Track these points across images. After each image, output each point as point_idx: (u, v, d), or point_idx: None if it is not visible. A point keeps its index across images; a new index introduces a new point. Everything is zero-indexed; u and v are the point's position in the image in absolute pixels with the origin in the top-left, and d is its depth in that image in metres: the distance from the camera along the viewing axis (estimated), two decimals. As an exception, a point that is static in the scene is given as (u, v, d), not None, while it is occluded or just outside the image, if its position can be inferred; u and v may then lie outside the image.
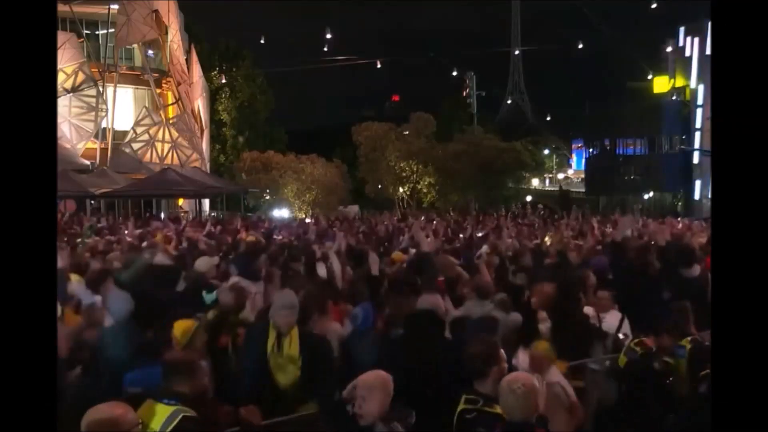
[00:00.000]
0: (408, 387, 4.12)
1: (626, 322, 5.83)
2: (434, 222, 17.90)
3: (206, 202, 35.02)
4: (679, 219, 21.81)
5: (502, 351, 3.85)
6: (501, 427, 3.32)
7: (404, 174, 42.31)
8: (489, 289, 5.84)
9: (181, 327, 4.41)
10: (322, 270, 7.04)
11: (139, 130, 31.44)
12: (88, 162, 29.67)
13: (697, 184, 45.58)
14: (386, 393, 3.38)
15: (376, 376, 3.45)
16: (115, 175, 28.14)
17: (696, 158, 45.58)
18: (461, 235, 12.70)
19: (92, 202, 27.00)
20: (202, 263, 7.02)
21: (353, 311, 5.23)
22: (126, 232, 12.93)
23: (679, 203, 48.03)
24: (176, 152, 31.83)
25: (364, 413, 3.34)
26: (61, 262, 6.25)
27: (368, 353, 4.68)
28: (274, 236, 13.14)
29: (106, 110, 31.17)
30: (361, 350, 4.78)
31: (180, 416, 3.23)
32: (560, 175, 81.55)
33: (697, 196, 45.27)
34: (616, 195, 47.87)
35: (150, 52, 34.52)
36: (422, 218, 18.45)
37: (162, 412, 3.25)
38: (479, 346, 3.84)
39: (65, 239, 11.30)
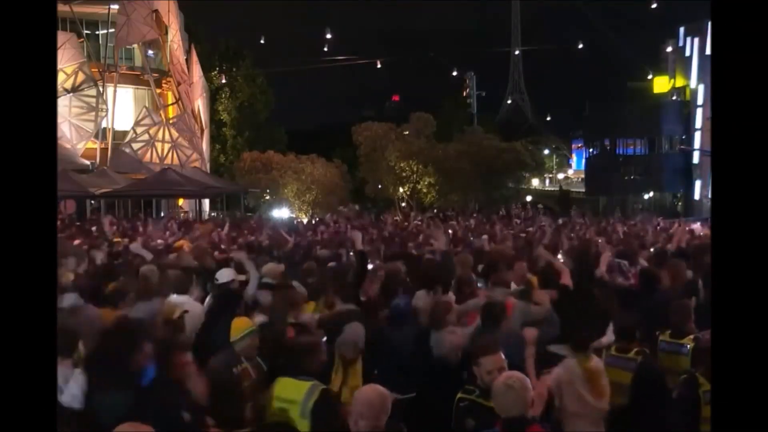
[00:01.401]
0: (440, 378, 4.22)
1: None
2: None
3: (206, 202, 35.00)
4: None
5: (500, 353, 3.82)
6: (500, 425, 3.32)
7: (404, 174, 42.22)
8: (503, 281, 6.08)
9: (237, 324, 4.47)
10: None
11: (139, 130, 31.39)
12: (88, 162, 29.64)
13: (697, 184, 45.56)
14: (383, 410, 3.26)
15: (374, 391, 3.35)
16: (115, 175, 28.08)
17: (696, 158, 45.57)
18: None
19: (92, 202, 26.97)
20: (269, 270, 6.59)
21: (395, 301, 5.54)
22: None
23: (679, 203, 48.04)
24: (176, 152, 31.79)
25: (360, 430, 3.24)
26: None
27: (404, 341, 4.93)
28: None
29: (106, 110, 31.15)
30: (398, 335, 5.04)
31: (319, 390, 3.58)
32: (560, 175, 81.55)
33: (697, 196, 45.26)
34: (616, 195, 47.90)
35: (150, 52, 34.50)
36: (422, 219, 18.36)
37: (301, 387, 3.60)
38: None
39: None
